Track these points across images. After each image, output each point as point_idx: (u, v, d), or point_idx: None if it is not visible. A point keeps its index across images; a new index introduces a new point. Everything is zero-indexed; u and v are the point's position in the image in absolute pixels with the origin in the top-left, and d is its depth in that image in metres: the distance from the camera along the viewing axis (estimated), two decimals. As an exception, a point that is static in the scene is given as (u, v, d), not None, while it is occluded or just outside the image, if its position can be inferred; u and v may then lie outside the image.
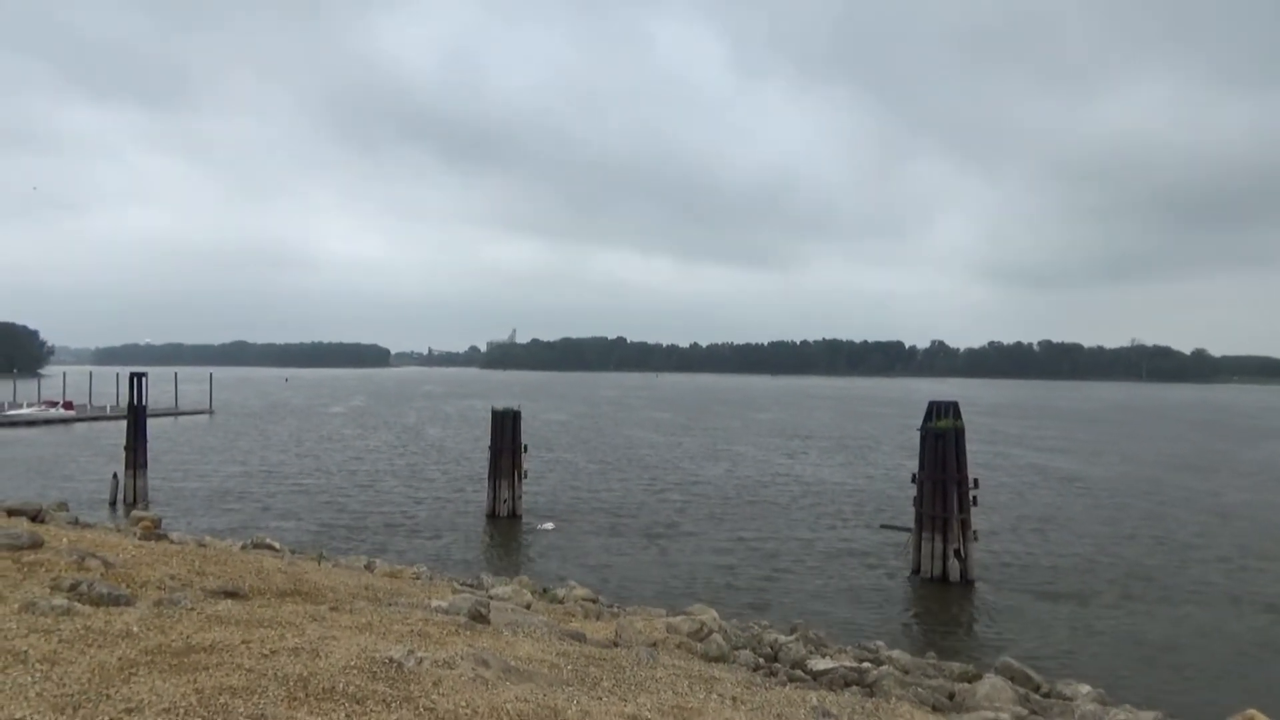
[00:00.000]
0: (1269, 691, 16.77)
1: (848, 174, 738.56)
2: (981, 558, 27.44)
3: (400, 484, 42.54)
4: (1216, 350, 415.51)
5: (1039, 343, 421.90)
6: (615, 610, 15.13)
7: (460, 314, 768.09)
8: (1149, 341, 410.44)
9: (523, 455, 35.08)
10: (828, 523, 34.03)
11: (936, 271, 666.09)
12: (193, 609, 8.31)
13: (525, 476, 35.43)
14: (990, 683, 11.27)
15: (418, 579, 16.20)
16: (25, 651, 6.07)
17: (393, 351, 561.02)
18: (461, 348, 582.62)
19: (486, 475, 35.26)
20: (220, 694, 5.53)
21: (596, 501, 38.03)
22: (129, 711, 5.06)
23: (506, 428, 34.70)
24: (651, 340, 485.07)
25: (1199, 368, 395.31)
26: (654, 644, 10.61)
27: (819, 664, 11.46)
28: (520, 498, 34.73)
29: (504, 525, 33.04)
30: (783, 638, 13.32)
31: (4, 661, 5.82)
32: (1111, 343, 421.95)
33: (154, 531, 17.50)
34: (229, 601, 9.19)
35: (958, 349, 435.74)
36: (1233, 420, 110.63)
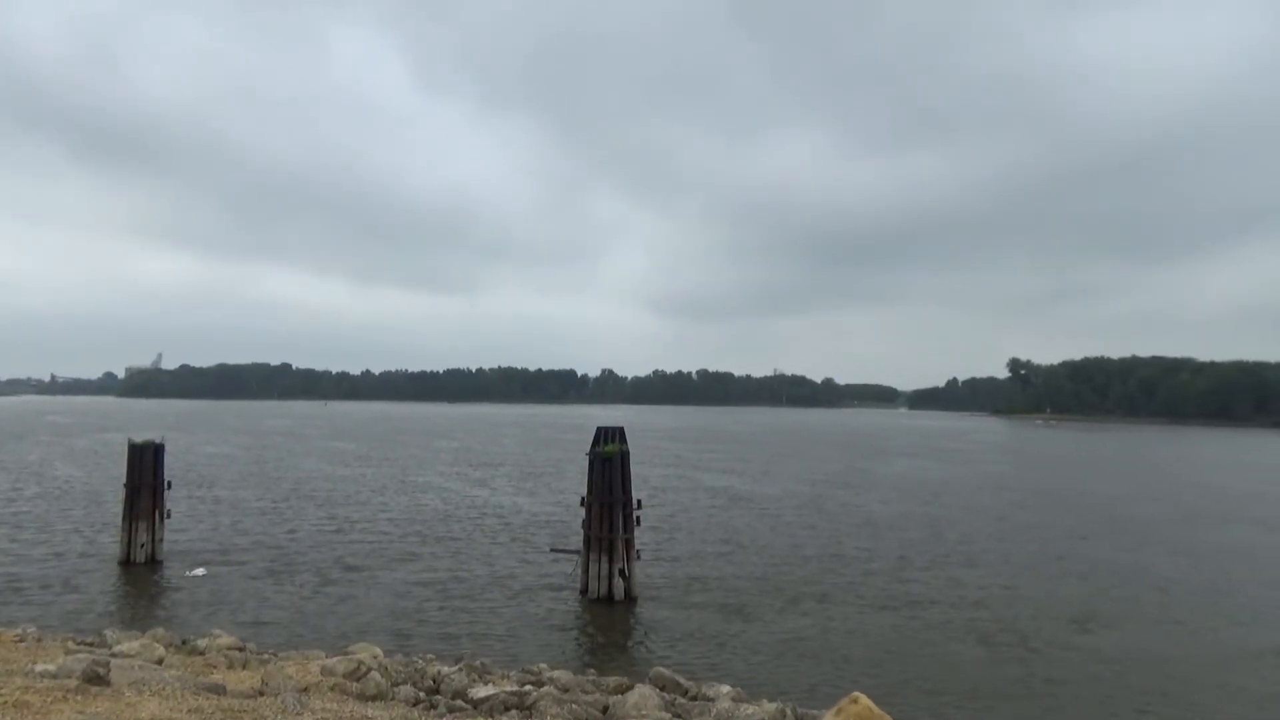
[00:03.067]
0: (880, 676, 19.62)
1: (530, 202, 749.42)
2: (651, 575, 29.24)
3: (7, 534, 36.24)
4: (841, 379, 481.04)
5: (697, 371, 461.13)
6: (265, 658, 14.11)
7: (93, 335, 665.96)
8: (789, 371, 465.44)
9: (165, 493, 31.61)
10: (509, 550, 34.33)
11: (610, 302, 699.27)
12: None
13: (169, 517, 31.92)
14: (639, 692, 12.06)
15: (21, 642, 13.97)
16: None
17: (1, 378, 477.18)
18: (94, 374, 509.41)
19: (121, 517, 31.27)
20: None
21: (263, 542, 35.02)
22: None
23: (146, 463, 31.09)
24: (320, 366, 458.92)
25: (828, 394, 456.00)
26: (305, 689, 10.08)
27: (480, 691, 11.55)
28: (161, 541, 31.18)
29: (141, 573, 29.40)
30: (446, 669, 13.25)
31: None
32: (758, 372, 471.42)
33: None
34: None
35: (626, 377, 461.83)
36: (866, 441, 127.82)
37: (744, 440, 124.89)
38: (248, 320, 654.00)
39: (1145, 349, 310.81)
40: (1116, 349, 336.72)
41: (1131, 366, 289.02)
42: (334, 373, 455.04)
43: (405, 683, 11.77)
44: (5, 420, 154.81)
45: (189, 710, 7.95)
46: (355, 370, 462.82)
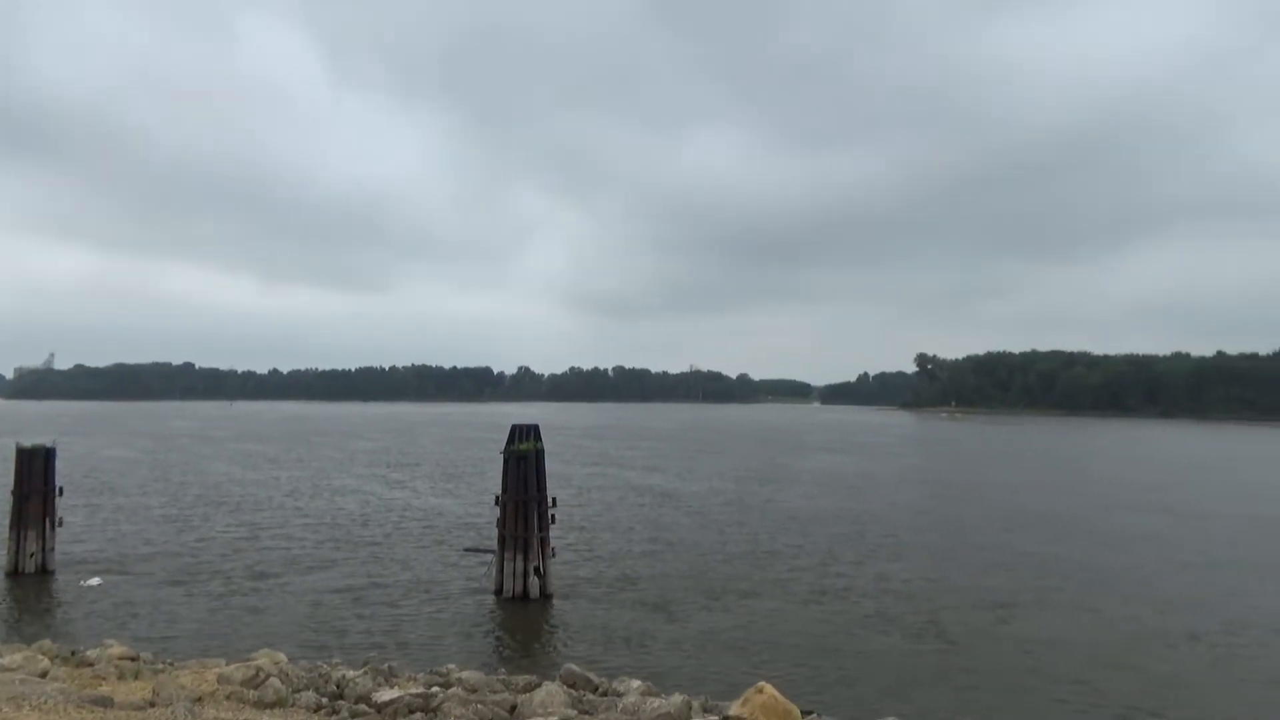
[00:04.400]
0: (799, 668, 20.03)
1: (448, 197, 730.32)
2: (571, 573, 29.26)
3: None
4: (756, 374, 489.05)
5: (614, 368, 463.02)
6: (160, 667, 13.64)
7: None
8: (704, 367, 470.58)
9: (57, 500, 30.19)
10: (427, 552, 33.84)
11: (527, 299, 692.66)
12: None
13: (60, 525, 30.50)
14: (546, 689, 12.10)
15: (-108, 660, 13.17)
16: None
17: None
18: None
19: (8, 526, 29.74)
20: None
21: (167, 550, 33.58)
22: None
23: (35, 468, 29.64)
24: (225, 366, 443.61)
25: (743, 389, 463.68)
26: (199, 698, 9.81)
27: (385, 695, 11.41)
28: (53, 550, 29.77)
29: (31, 583, 28.06)
30: (350, 674, 13.03)
31: None
32: (674, 368, 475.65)
33: None
34: None
35: (543, 374, 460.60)
36: (784, 436, 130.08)
37: (664, 436, 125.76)
38: (148, 319, 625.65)
39: (1044, 344, 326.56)
40: (1018, 344, 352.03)
41: (1031, 361, 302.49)
42: (240, 372, 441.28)
43: (307, 689, 11.54)
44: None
45: (71, 724, 7.68)
46: (263, 370, 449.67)
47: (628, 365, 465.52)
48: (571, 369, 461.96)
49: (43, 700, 8.62)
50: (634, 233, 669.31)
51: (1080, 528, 42.04)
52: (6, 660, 11.94)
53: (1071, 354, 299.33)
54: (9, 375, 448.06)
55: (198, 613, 24.85)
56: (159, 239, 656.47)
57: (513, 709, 11.70)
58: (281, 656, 13.95)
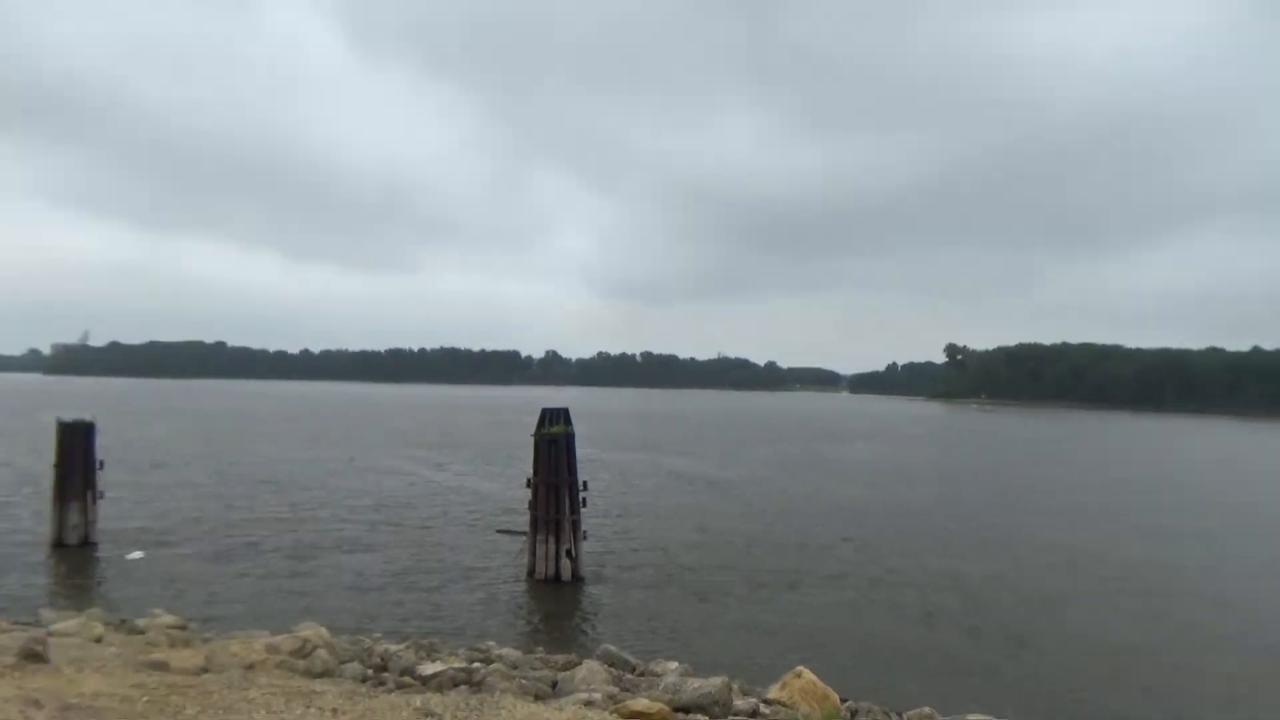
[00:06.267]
0: (836, 656, 19.87)
1: (472, 178, 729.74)
2: (605, 558, 29.37)
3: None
4: (784, 362, 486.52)
5: (641, 354, 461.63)
6: (208, 636, 13.90)
7: (13, 310, 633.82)
8: (731, 354, 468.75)
9: (99, 474, 30.80)
10: (464, 533, 34.06)
11: (553, 282, 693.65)
12: None
13: (102, 498, 31.11)
14: (587, 667, 12.20)
15: (-49, 624, 13.54)
16: None
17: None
18: (17, 350, 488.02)
19: (52, 498, 30.39)
20: None
21: (208, 526, 34.04)
22: None
23: (76, 443, 30.23)
24: (256, 345, 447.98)
25: (771, 377, 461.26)
26: (250, 666, 10.00)
27: (428, 668, 11.57)
28: (95, 522, 30.38)
29: (74, 555, 28.66)
30: (393, 647, 13.21)
31: None
32: (702, 355, 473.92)
33: None
34: None
35: (570, 359, 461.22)
36: (818, 424, 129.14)
37: (698, 423, 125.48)
38: (178, 296, 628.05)
39: (1074, 336, 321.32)
40: (1047, 335, 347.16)
41: (1063, 353, 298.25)
42: (271, 351, 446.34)
43: (352, 660, 11.73)
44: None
45: (132, 686, 7.86)
46: (293, 349, 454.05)
47: (655, 351, 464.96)
48: (599, 354, 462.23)
49: (102, 664, 8.83)
50: (660, 218, 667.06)
51: (1133, 524, 41.04)
52: (62, 626, 12.25)
53: (1104, 346, 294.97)
54: (46, 351, 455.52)
55: (240, 587, 25.26)
56: (184, 215, 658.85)
57: (554, 685, 11.82)
58: (323, 630, 14.14)
